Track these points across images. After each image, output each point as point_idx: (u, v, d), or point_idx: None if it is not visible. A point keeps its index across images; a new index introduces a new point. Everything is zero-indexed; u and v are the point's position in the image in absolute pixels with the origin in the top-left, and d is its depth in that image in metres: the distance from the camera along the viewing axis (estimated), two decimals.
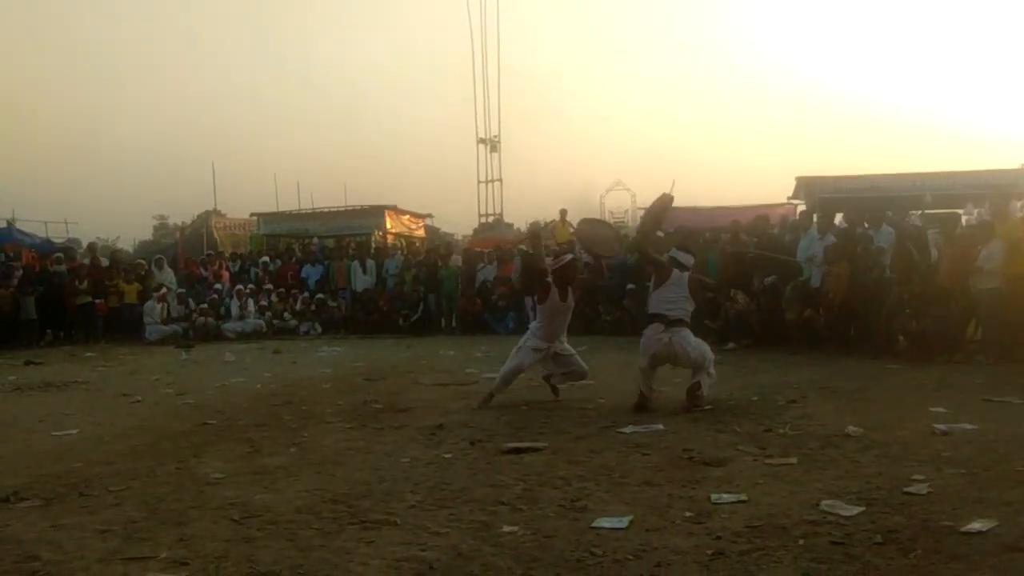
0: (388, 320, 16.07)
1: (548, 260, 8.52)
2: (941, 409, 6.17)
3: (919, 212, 15.60)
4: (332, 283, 17.36)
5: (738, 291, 11.70)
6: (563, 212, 19.29)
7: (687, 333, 6.75)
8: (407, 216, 24.19)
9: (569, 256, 8.00)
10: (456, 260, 16.99)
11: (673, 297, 6.80)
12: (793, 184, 18.33)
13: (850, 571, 3.10)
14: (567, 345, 7.49)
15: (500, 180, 35.54)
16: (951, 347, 9.31)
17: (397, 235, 22.68)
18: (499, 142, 35.98)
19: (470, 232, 33.62)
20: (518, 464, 5.00)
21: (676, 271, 6.94)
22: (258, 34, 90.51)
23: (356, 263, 17.35)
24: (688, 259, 7.12)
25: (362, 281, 17.04)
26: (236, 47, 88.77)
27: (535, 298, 11.12)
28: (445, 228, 36.77)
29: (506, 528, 3.78)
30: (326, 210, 23.99)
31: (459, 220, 47.07)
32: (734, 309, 11.63)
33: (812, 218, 12.16)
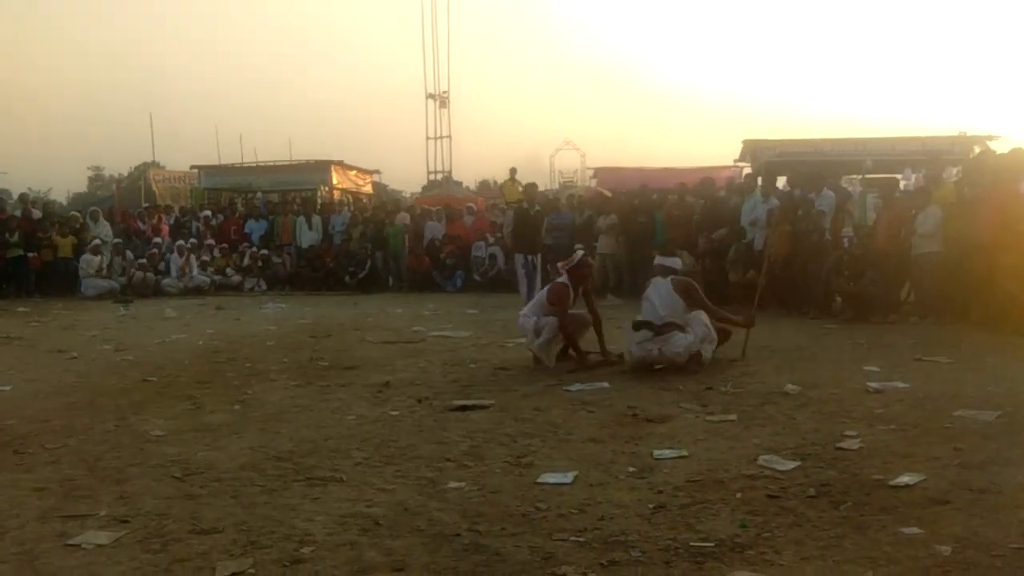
0: (334, 277, 15.88)
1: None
2: (875, 368, 6.38)
3: (859, 176, 15.97)
4: (276, 239, 17.03)
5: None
6: (513, 171, 19.18)
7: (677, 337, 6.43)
8: (354, 172, 23.79)
9: (580, 253, 7.46)
10: (404, 217, 16.82)
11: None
12: (740, 147, 18.57)
13: (784, 523, 3.21)
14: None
15: (449, 137, 35.07)
16: (886, 308, 9.61)
17: (344, 191, 22.31)
18: (448, 98, 35.45)
19: (418, 189, 33.31)
20: (465, 421, 5.03)
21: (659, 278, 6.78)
22: None
23: (302, 219, 17.02)
24: (675, 262, 7.03)
25: (308, 237, 16.75)
26: None
27: (530, 260, 11.00)
28: (393, 185, 36.38)
29: (452, 484, 3.81)
30: (270, 164, 23.44)
31: (407, 177, 46.54)
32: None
33: (757, 181, 12.32)
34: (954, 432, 4.45)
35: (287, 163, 23.29)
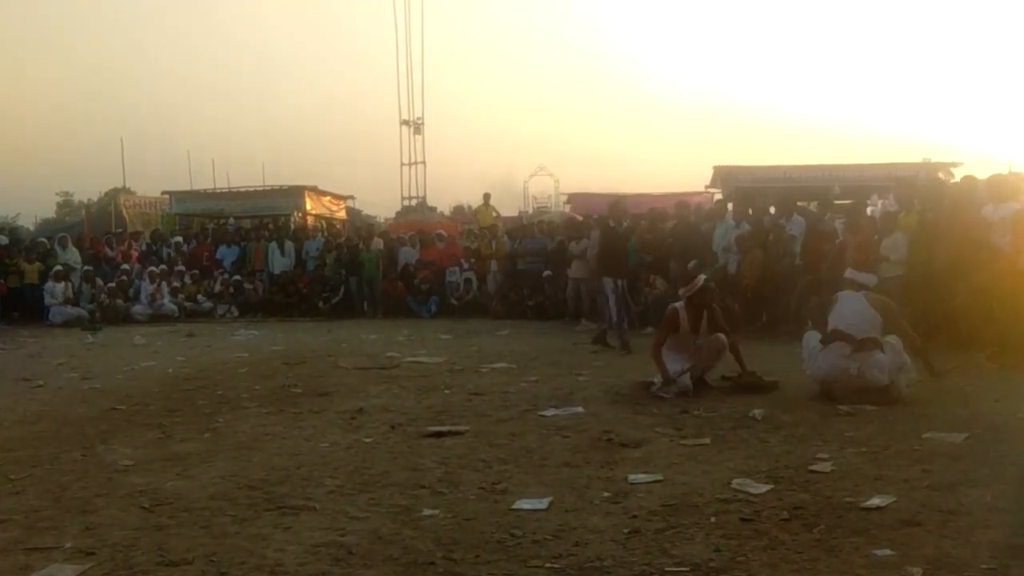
0: (308, 303, 15.77)
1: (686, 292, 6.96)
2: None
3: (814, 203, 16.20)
4: (249, 265, 16.90)
5: (657, 276, 11.96)
6: (487, 196, 19.28)
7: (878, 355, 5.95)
8: (328, 197, 23.69)
9: (703, 278, 6.94)
10: (378, 243, 16.78)
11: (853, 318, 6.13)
12: (711, 173, 18.78)
13: (758, 546, 3.22)
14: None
15: (423, 163, 35.13)
16: None
17: (317, 216, 22.21)
18: (423, 124, 35.56)
19: (392, 215, 33.26)
20: (439, 448, 5.00)
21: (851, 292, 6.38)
22: (170, 6, 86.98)
23: (274, 244, 16.92)
24: (870, 279, 6.61)
25: (280, 263, 16.65)
26: (146, 20, 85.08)
27: (620, 284, 9.73)
28: (367, 211, 36.32)
29: (427, 511, 3.78)
30: (243, 190, 23.23)
31: (382, 202, 46.56)
32: (653, 294, 11.88)
33: (727, 207, 12.48)
34: (923, 454, 4.51)
35: (260, 188, 23.13)
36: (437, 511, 3.78)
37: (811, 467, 4.30)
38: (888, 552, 3.09)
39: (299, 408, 6.35)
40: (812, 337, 6.36)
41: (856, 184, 16.78)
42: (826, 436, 5.00)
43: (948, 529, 3.31)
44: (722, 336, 6.73)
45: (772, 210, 12.68)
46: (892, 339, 6.00)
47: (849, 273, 6.68)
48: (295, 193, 21.56)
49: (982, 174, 10.20)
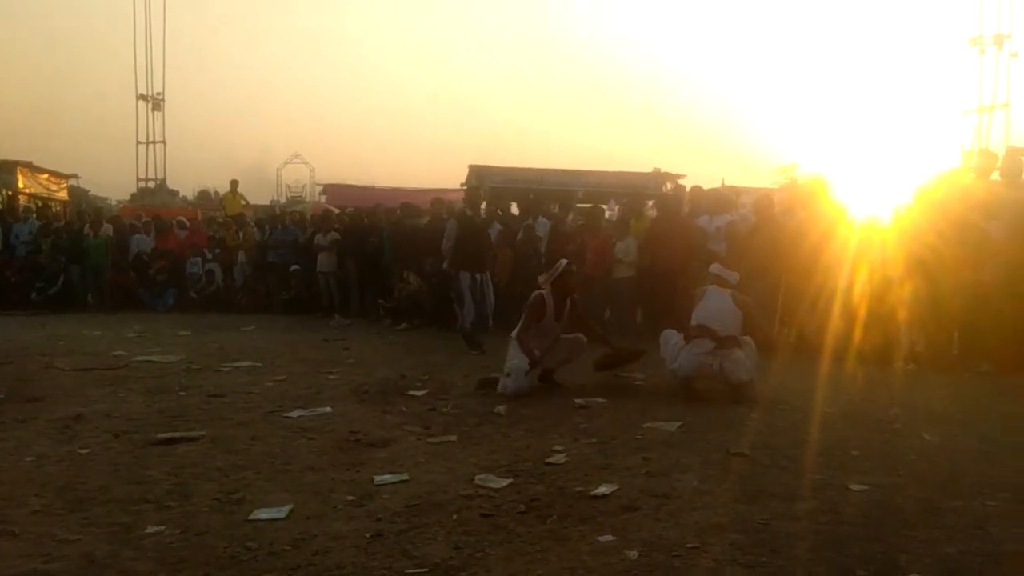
0: (19, 293, 13.92)
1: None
2: (582, 383, 6.89)
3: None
4: None
5: (411, 273, 12.02)
6: (234, 183, 18.28)
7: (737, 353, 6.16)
8: (45, 175, 21.13)
9: (564, 262, 6.96)
10: (107, 228, 15.21)
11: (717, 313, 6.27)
12: (467, 171, 19.25)
13: (495, 540, 3.34)
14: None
15: (163, 142, 32.49)
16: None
17: (32, 196, 19.69)
18: (163, 100, 32.84)
19: (127, 197, 30.40)
20: (170, 456, 4.62)
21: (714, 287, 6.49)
22: None
23: None
24: (733, 276, 6.62)
25: None
26: None
27: (478, 279, 9.52)
28: (96, 191, 32.91)
29: (151, 528, 3.47)
30: None
31: (115, 184, 42.30)
32: (407, 290, 11.93)
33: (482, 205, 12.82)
34: (644, 443, 4.93)
35: None
36: (163, 527, 3.48)
37: (548, 459, 4.53)
38: (610, 537, 3.34)
39: (1, 417, 5.56)
40: (671, 335, 6.56)
41: (598, 189, 18.06)
42: (562, 429, 5.30)
43: (661, 512, 3.65)
44: (582, 338, 6.86)
45: (515, 210, 13.28)
46: (747, 339, 6.29)
47: (714, 268, 6.83)
48: (5, 169, 19.01)
49: (703, 186, 11.53)
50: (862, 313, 8.00)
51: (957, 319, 8.11)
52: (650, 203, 14.47)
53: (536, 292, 6.90)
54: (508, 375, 6.44)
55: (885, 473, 4.29)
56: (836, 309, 8.04)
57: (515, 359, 6.48)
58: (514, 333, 6.74)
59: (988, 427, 5.42)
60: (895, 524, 3.51)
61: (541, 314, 6.72)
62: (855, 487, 4.02)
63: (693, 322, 6.32)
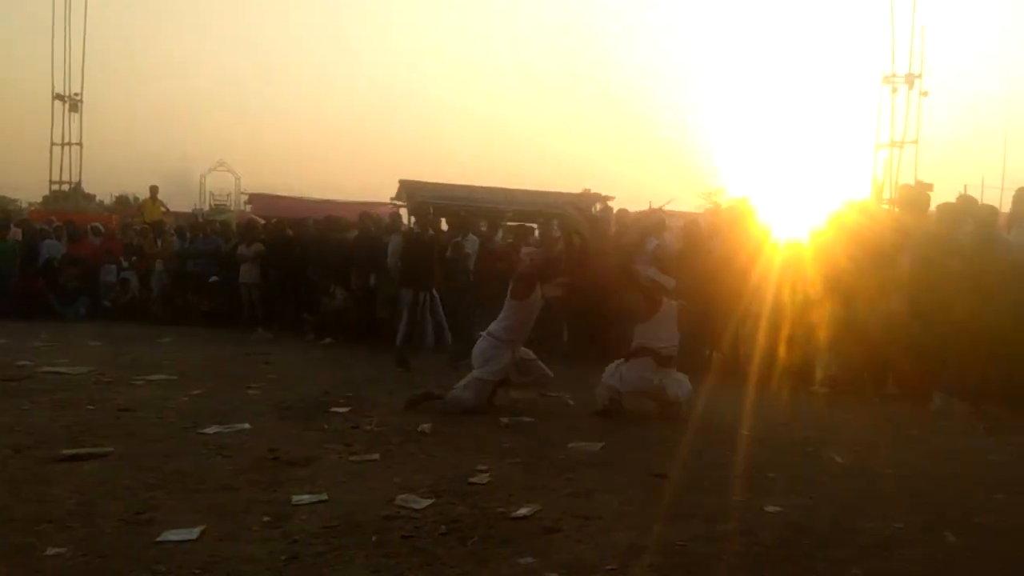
0: None
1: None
2: (505, 403, 6.88)
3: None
4: None
5: (338, 287, 11.83)
6: (154, 189, 17.74)
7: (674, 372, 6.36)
8: None
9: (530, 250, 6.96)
10: (16, 233, 14.48)
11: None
12: (397, 186, 19.14)
13: (416, 563, 3.29)
14: (524, 348, 6.69)
15: (79, 144, 31.23)
16: None
17: None
18: (81, 101, 31.61)
19: (38, 200, 29.12)
20: (74, 474, 4.40)
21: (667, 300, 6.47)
22: None
23: None
24: (671, 281, 6.66)
25: None
26: None
27: (423, 296, 9.28)
28: (5, 193, 31.43)
29: (51, 551, 3.30)
30: None
31: (25, 185, 40.44)
32: (332, 305, 11.74)
33: (406, 221, 12.76)
34: (568, 463, 4.95)
35: None
36: (64, 549, 3.32)
37: (471, 479, 4.50)
38: (530, 559, 3.33)
39: None
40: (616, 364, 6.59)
41: (527, 208, 18.20)
42: (487, 448, 5.28)
43: (582, 534, 3.67)
44: (549, 374, 6.78)
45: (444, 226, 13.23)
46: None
47: (651, 272, 7.01)
48: None
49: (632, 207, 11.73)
50: (784, 335, 8.26)
51: (869, 343, 8.43)
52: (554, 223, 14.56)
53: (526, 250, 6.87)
54: (466, 388, 6.39)
55: (799, 495, 4.41)
56: (761, 332, 8.29)
57: (488, 365, 6.42)
58: (491, 328, 6.60)
59: (895, 451, 5.64)
60: (807, 545, 3.61)
61: (531, 288, 6.62)
62: (770, 509, 4.12)
63: (637, 339, 6.43)
